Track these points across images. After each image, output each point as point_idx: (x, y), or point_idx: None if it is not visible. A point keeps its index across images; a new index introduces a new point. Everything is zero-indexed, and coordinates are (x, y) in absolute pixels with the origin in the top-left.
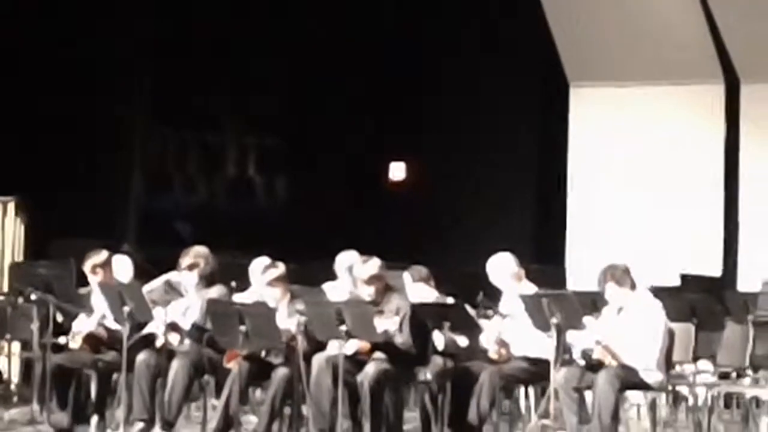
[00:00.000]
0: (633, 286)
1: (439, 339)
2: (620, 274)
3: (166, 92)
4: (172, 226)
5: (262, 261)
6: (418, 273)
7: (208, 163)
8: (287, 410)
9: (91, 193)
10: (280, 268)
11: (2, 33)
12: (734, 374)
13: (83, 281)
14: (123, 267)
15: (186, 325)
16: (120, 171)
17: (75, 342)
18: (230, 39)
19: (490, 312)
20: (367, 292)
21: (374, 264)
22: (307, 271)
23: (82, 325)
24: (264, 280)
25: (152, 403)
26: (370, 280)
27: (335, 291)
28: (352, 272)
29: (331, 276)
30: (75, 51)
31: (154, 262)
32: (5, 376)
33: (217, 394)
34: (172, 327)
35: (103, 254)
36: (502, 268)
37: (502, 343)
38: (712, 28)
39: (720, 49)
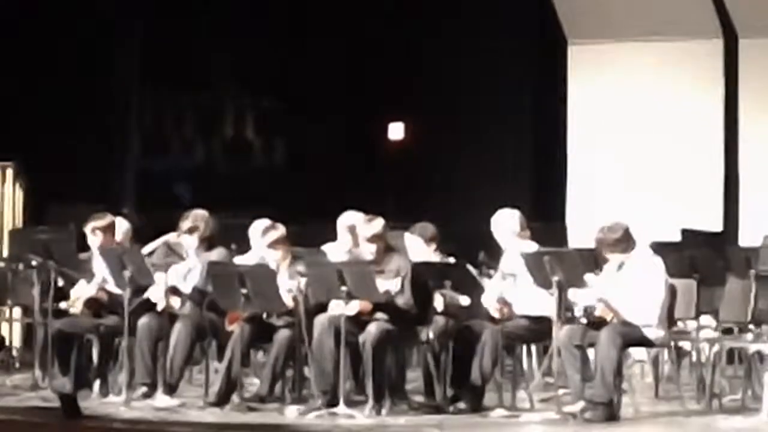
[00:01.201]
0: (627, 249)
1: (438, 301)
2: (612, 241)
3: (162, 54)
4: (171, 188)
5: (262, 223)
6: (422, 230)
7: (206, 125)
8: (289, 372)
9: (89, 158)
10: (280, 229)
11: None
12: (737, 329)
13: (84, 246)
14: (120, 230)
15: (187, 289)
16: (118, 134)
17: (75, 307)
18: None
19: (491, 271)
20: (369, 250)
21: (378, 223)
22: (307, 232)
23: (83, 290)
24: (264, 242)
25: (154, 366)
26: (373, 239)
27: (335, 252)
28: (356, 230)
29: (331, 237)
30: (71, 17)
31: (153, 224)
32: (7, 342)
33: (220, 357)
34: (173, 291)
35: (107, 218)
36: (507, 225)
37: (504, 302)
38: None
39: (718, 4)
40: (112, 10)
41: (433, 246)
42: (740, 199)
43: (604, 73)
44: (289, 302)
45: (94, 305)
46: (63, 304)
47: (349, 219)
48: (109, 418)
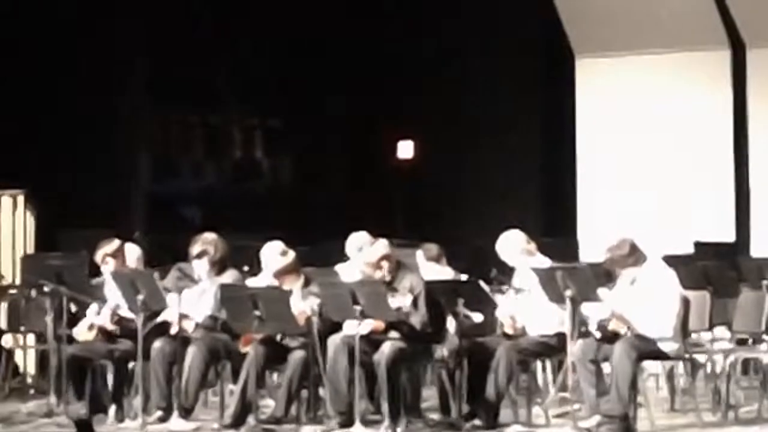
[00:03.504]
0: (637, 262)
1: (451, 323)
2: (621, 257)
3: (167, 77)
4: (180, 211)
5: (274, 245)
6: (429, 252)
7: (213, 147)
8: (304, 393)
9: (98, 182)
10: (289, 257)
11: (4, 24)
12: (751, 340)
13: (95, 272)
14: (133, 255)
15: (200, 311)
16: (126, 158)
17: (82, 335)
18: (230, 19)
19: (504, 287)
20: (378, 275)
21: (381, 244)
22: (317, 251)
23: (94, 319)
24: (272, 270)
25: (169, 390)
26: (380, 261)
27: (348, 272)
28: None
29: (341, 256)
30: (76, 40)
31: (164, 247)
32: (21, 368)
33: (234, 379)
34: (184, 317)
35: (115, 243)
36: (512, 246)
37: (515, 318)
38: None
39: (725, 15)
40: (116, 35)
41: (442, 264)
42: (751, 209)
43: (613, 87)
44: (300, 322)
45: (104, 334)
46: (75, 331)
47: (358, 240)
48: None
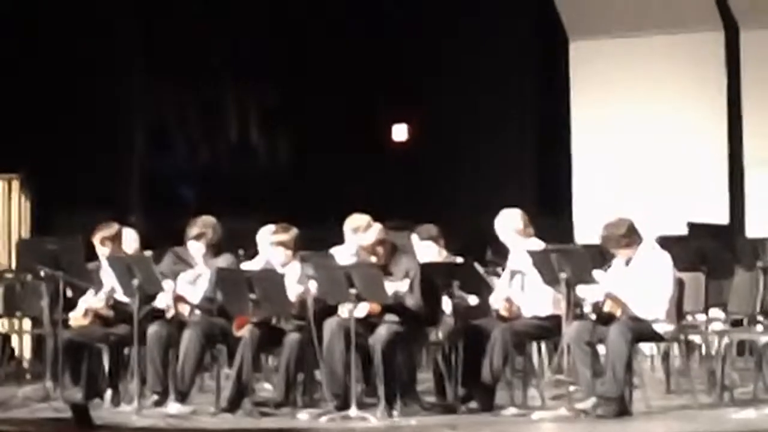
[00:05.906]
0: (631, 244)
1: (446, 304)
2: (617, 237)
3: (164, 56)
4: (176, 191)
5: (271, 229)
6: (427, 231)
7: (210, 127)
8: (300, 376)
9: (94, 164)
10: (291, 232)
11: None
12: (746, 321)
13: (91, 256)
14: (128, 239)
15: (196, 294)
16: (122, 139)
17: (77, 321)
18: None
19: (499, 269)
20: (373, 261)
21: (376, 229)
22: (313, 234)
23: (89, 303)
24: (272, 239)
25: (165, 374)
26: (375, 246)
27: (343, 254)
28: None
29: (337, 238)
30: (71, 19)
31: (159, 228)
32: (17, 353)
33: (230, 363)
34: (181, 298)
35: (114, 227)
36: (510, 224)
37: (512, 300)
38: None
39: None
40: (114, 15)
41: (440, 245)
42: (745, 190)
43: (607, 69)
44: (294, 300)
45: (99, 318)
46: (71, 314)
47: (355, 222)
48: (121, 427)
